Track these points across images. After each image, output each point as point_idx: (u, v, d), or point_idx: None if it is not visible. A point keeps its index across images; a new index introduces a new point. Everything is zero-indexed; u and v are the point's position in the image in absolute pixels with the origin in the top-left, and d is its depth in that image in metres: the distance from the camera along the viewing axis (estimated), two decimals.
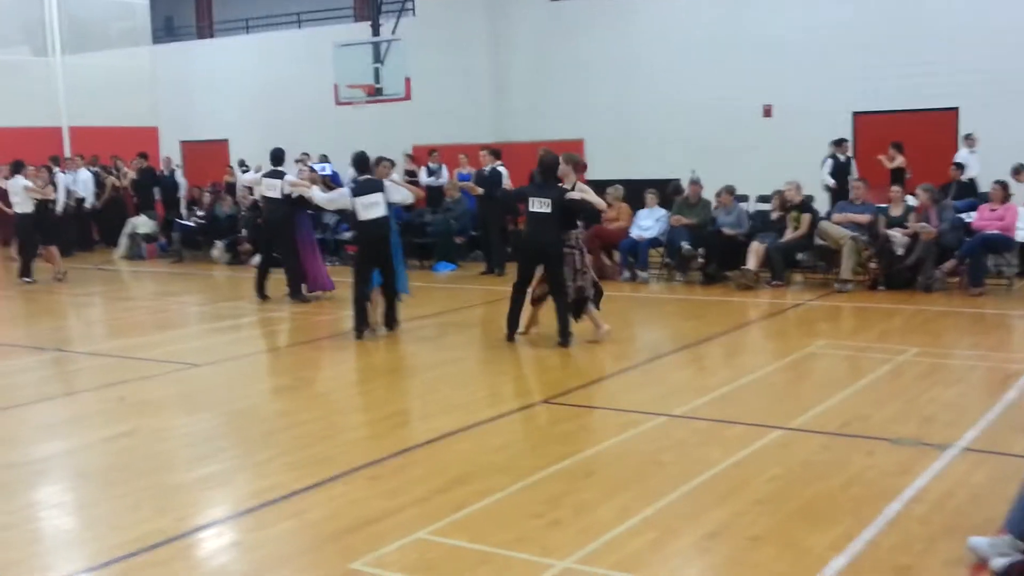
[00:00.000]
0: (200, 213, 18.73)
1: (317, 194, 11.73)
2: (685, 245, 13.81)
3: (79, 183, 20.65)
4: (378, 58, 20.15)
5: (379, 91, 20.11)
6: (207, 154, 26.36)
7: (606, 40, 21.62)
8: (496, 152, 15.81)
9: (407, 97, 19.90)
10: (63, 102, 24.08)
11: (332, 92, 20.64)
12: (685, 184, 14.73)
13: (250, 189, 16.11)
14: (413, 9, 23.85)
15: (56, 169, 20.48)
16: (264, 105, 26.26)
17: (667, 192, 15.05)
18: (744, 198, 15.80)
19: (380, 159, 11.21)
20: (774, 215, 13.76)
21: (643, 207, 14.52)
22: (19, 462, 6.68)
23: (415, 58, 20.26)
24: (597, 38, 21.74)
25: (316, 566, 4.89)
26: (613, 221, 14.53)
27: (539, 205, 9.75)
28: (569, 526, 5.25)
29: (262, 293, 13.15)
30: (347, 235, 16.77)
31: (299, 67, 25.09)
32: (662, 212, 14.36)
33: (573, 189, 9.98)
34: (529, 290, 10.12)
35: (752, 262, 13.14)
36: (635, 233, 14.25)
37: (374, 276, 10.67)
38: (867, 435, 6.68)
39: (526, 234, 10.12)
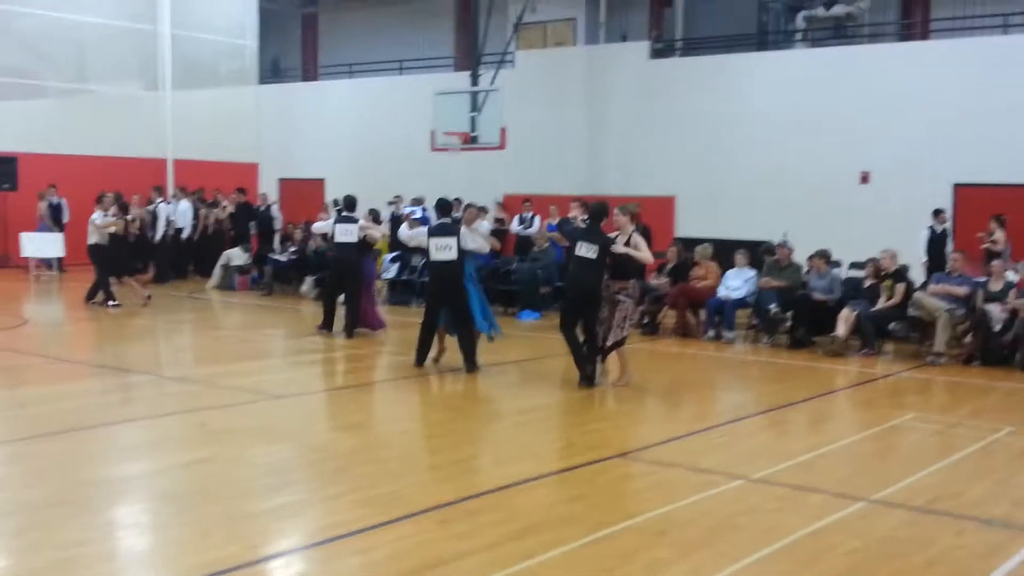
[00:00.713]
0: (292, 248, 19.05)
1: (402, 230, 12.13)
2: (773, 308, 13.58)
3: (179, 214, 21.22)
4: (475, 107, 20.38)
5: (474, 139, 20.32)
6: (304, 192, 26.91)
7: (703, 98, 21.57)
8: (587, 204, 15.86)
9: (502, 146, 20.07)
10: (170, 135, 24.86)
11: (428, 138, 20.90)
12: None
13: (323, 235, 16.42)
14: (513, 61, 24.14)
15: (158, 199, 21.13)
16: (362, 148, 26.74)
17: (759, 253, 14.83)
18: (837, 264, 15.52)
19: (469, 206, 11.65)
20: (867, 282, 13.47)
21: (732, 267, 14.34)
22: (100, 480, 6.79)
23: (512, 108, 20.44)
24: (694, 96, 21.70)
25: None
26: (701, 280, 14.37)
27: (586, 250, 10.11)
28: None
29: (348, 331, 13.42)
30: None
31: (398, 112, 25.54)
32: (751, 273, 14.16)
33: (629, 240, 10.26)
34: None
35: (842, 329, 12.85)
36: (723, 293, 14.07)
37: (441, 316, 11.06)
38: (954, 513, 6.41)
39: (570, 277, 10.57)
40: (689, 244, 15.50)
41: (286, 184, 27.90)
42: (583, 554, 5.53)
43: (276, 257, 18.95)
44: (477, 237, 11.36)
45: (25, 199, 20.85)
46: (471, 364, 10.96)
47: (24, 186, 20.98)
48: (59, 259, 20.91)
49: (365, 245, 13.77)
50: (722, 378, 12.00)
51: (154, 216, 20.85)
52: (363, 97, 27.44)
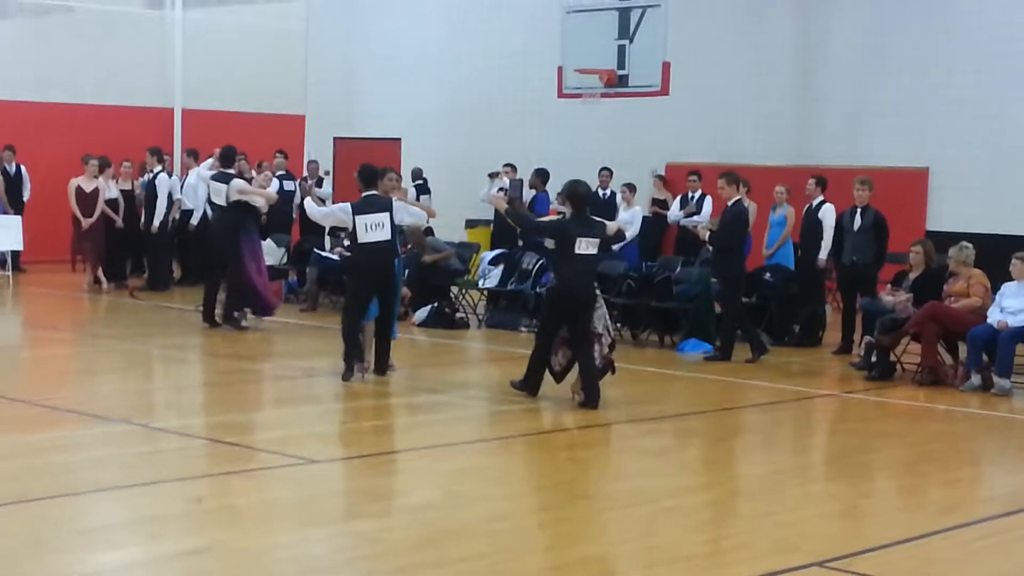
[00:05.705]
0: (347, 243, 18.96)
1: (310, 206, 14.45)
2: None
3: (187, 189, 21.43)
4: (625, 33, 20.39)
5: (622, 80, 20.33)
6: (370, 157, 27.14)
7: (975, 19, 21.10)
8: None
9: (664, 91, 20.02)
10: (179, 74, 25.90)
11: (555, 79, 20.97)
12: None
13: None
14: None
15: (157, 167, 21.43)
16: (456, 94, 26.78)
17: None
18: None
19: (386, 171, 13.40)
20: None
21: (1010, 279, 14.01)
22: None
23: (679, 34, 20.37)
24: (963, 16, 21.24)
25: None
26: (960, 297, 14.07)
27: (587, 246, 11.82)
28: None
29: (210, 319, 16.37)
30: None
31: (509, 42, 25.53)
32: None
33: None
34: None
35: None
36: (994, 318, 13.77)
37: (372, 308, 13.08)
38: None
39: (570, 281, 11.99)
40: (947, 241, 15.21)
41: (344, 145, 28.10)
42: None
43: (324, 254, 19.12)
44: (412, 208, 13.41)
45: None
46: (386, 365, 13.23)
47: None
48: (14, 253, 21.47)
49: (248, 210, 15.93)
50: (989, 449, 11.81)
51: (151, 192, 20.97)
52: (458, 19, 27.55)
